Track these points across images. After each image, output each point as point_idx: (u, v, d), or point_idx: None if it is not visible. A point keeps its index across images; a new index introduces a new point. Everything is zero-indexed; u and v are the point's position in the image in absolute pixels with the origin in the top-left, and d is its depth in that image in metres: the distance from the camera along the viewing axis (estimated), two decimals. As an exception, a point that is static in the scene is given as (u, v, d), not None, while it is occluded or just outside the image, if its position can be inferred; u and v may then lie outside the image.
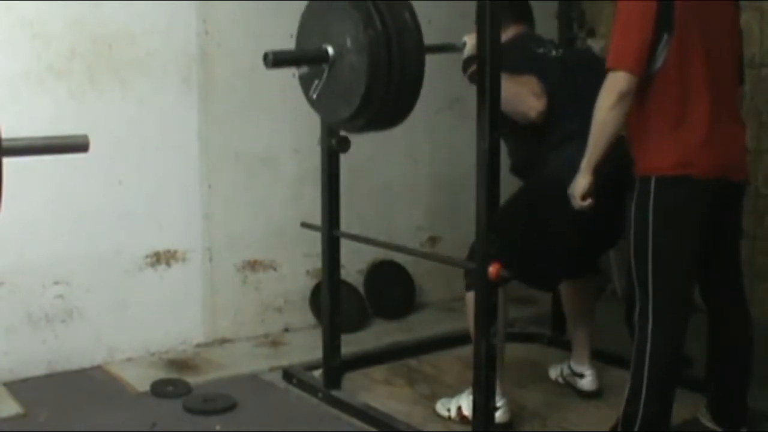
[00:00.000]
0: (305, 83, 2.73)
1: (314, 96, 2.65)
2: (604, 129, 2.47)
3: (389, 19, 2.47)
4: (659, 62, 2.44)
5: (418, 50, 2.52)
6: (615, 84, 2.41)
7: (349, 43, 2.51)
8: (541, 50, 3.04)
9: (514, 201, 2.94)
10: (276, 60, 2.57)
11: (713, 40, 2.51)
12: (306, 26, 2.73)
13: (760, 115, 4.02)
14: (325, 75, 2.60)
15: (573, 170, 2.71)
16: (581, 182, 2.57)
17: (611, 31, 2.49)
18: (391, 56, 2.46)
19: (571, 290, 3.36)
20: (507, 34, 2.90)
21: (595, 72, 3.07)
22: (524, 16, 3.16)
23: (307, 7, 2.74)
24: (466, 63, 2.96)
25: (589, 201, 2.59)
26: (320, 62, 2.60)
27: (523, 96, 2.79)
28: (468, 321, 2.95)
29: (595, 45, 3.26)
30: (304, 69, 2.68)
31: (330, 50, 2.58)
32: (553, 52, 3.06)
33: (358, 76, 2.49)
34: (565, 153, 2.87)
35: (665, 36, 2.42)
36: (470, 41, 2.94)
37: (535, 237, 2.88)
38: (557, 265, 3.04)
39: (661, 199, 2.48)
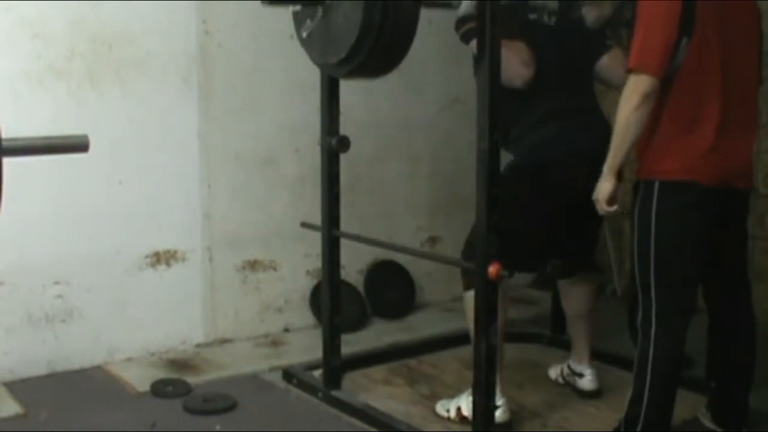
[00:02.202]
0: (298, 21, 2.72)
1: (304, 35, 2.65)
2: (627, 131, 2.43)
3: None
4: (676, 64, 2.41)
5: (413, 10, 2.53)
6: (638, 86, 2.38)
7: None
8: (533, 16, 3.02)
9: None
10: None
11: (732, 44, 2.48)
12: None
13: (761, 115, 4.01)
14: (318, 16, 2.60)
15: (550, 151, 2.73)
16: (605, 186, 2.52)
17: (633, 30, 2.45)
18: (386, 12, 2.46)
19: (570, 290, 3.35)
20: None
21: (586, 44, 3.07)
22: None
23: None
24: (460, 22, 2.94)
25: (615, 206, 2.55)
26: (316, 3, 2.59)
27: (511, 62, 2.76)
28: (467, 321, 2.96)
29: (589, 13, 3.22)
30: (298, 8, 2.68)
31: None
32: (546, 19, 3.03)
33: (350, 26, 2.49)
34: (544, 131, 2.87)
35: (685, 38, 2.39)
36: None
37: (513, 219, 2.81)
38: (538, 246, 3.04)
39: (664, 203, 2.47)
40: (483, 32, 2.48)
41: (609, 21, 3.30)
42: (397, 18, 2.49)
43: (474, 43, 2.70)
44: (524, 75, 2.84)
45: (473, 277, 2.84)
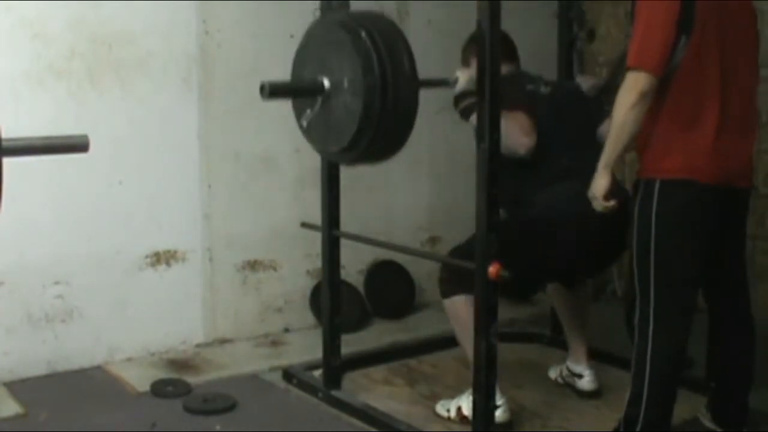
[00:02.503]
0: (298, 110, 2.74)
1: (305, 124, 2.67)
2: (624, 128, 2.43)
3: (388, 65, 2.48)
4: (674, 63, 2.41)
5: (413, 97, 2.55)
6: (636, 83, 2.38)
7: (346, 83, 2.53)
8: (530, 87, 3.06)
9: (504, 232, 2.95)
10: (273, 91, 2.59)
11: (730, 43, 2.48)
12: (304, 51, 2.74)
13: (761, 115, 4.01)
14: (318, 106, 2.62)
15: (560, 208, 2.78)
16: (601, 182, 2.53)
17: (632, 29, 2.45)
18: (386, 102, 2.49)
19: (562, 294, 3.36)
20: None
21: (584, 109, 3.09)
22: (512, 55, 3.17)
23: (308, 33, 2.74)
24: (458, 98, 2.98)
25: (612, 202, 2.55)
26: (315, 94, 2.62)
27: (512, 132, 2.78)
28: (455, 329, 2.99)
29: (584, 83, 3.27)
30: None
31: (326, 82, 2.60)
32: (542, 89, 3.07)
33: (350, 116, 2.52)
34: (555, 190, 2.89)
35: (683, 38, 2.39)
36: (462, 77, 2.96)
37: (516, 258, 2.86)
38: (540, 282, 3.09)
39: (664, 202, 2.47)
40: (483, 30, 2.48)
41: (604, 88, 3.31)
42: (397, 105, 2.51)
43: (474, 117, 2.73)
44: (526, 144, 2.84)
45: (454, 283, 2.94)
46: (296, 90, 2.74)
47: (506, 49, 3.02)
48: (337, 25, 2.59)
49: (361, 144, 2.55)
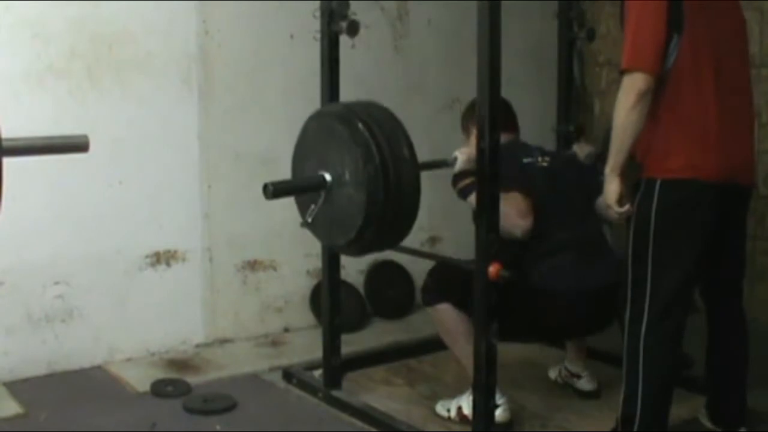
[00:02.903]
0: (302, 206, 2.76)
1: (309, 220, 2.68)
2: (625, 131, 2.43)
3: (388, 153, 2.49)
4: (669, 63, 2.41)
5: (415, 185, 2.57)
6: (633, 84, 2.37)
7: (347, 175, 2.54)
8: (528, 160, 3.05)
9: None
10: (276, 191, 2.61)
11: (722, 41, 2.50)
12: (303, 146, 2.76)
13: (760, 116, 4.02)
14: (321, 200, 2.63)
15: (563, 279, 2.81)
16: (611, 188, 2.52)
17: (624, 31, 2.46)
18: (389, 190, 2.50)
19: None
20: None
21: (581, 179, 3.10)
22: (510, 125, 3.15)
23: (305, 128, 2.76)
24: (456, 178, 2.99)
25: (627, 206, 2.53)
26: (318, 189, 2.63)
27: (509, 215, 2.78)
28: (442, 336, 3.01)
29: (580, 151, 3.26)
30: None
31: (327, 177, 2.61)
32: (539, 160, 3.06)
33: (355, 208, 2.53)
34: (553, 263, 2.90)
35: (675, 37, 2.40)
36: (461, 156, 2.97)
37: (516, 327, 2.89)
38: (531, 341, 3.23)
39: (664, 200, 2.46)
40: (483, 31, 2.48)
41: (600, 156, 3.30)
42: (400, 191, 2.52)
43: (472, 198, 2.75)
44: (523, 225, 2.84)
45: (436, 292, 2.99)
46: (299, 187, 2.76)
47: (505, 118, 3.00)
48: (333, 119, 2.61)
49: (368, 234, 2.56)
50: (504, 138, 2.74)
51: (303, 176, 2.73)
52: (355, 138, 2.50)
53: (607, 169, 2.52)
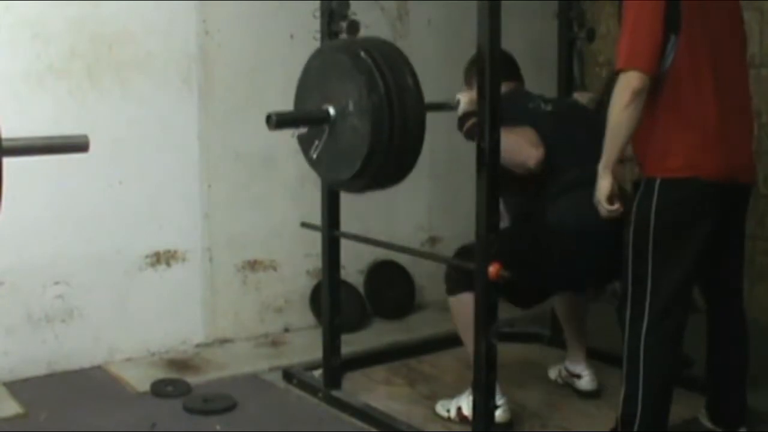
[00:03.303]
0: (304, 143, 2.74)
1: (314, 156, 2.66)
2: (620, 129, 2.44)
3: (392, 82, 2.48)
4: (667, 63, 2.42)
5: (420, 112, 2.55)
6: (628, 83, 2.38)
7: (351, 105, 2.52)
8: (532, 105, 3.07)
9: (512, 233, 2.93)
10: (279, 121, 2.59)
11: (720, 40, 2.50)
12: (306, 82, 2.74)
13: (760, 116, 4.02)
14: (325, 135, 2.61)
15: (574, 218, 2.77)
16: (603, 185, 2.53)
17: (620, 31, 2.46)
18: (393, 119, 2.48)
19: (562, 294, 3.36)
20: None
21: (586, 122, 3.10)
22: (514, 73, 3.18)
23: (308, 64, 2.75)
24: (461, 120, 2.99)
25: (617, 205, 2.55)
26: (322, 123, 2.61)
27: (521, 146, 2.79)
28: (457, 326, 2.98)
29: (581, 98, 3.27)
30: (303, 130, 2.71)
31: (331, 111, 2.59)
32: (542, 106, 3.08)
33: (360, 138, 2.50)
34: (565, 202, 2.89)
35: (673, 37, 2.41)
36: (464, 99, 2.97)
37: (527, 268, 2.85)
38: (543, 293, 3.11)
39: (664, 200, 2.46)
40: (483, 29, 2.48)
41: (602, 100, 3.31)
42: (406, 121, 2.50)
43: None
44: (536, 155, 2.84)
45: (461, 281, 2.91)
46: (302, 119, 2.73)
47: (508, 67, 3.02)
48: (335, 51, 2.59)
49: (373, 166, 2.54)
50: (506, 86, 2.75)
51: (307, 109, 2.69)
52: (358, 66, 2.47)
53: (600, 166, 2.53)
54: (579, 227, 2.83)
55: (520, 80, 3.25)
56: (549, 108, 3.08)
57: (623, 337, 2.56)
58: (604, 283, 3.28)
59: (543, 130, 2.91)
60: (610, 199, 2.54)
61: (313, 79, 2.70)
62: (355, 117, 2.51)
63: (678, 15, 2.41)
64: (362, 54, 2.49)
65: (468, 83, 3.17)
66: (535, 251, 2.85)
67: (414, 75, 2.54)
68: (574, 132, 3.03)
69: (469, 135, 2.92)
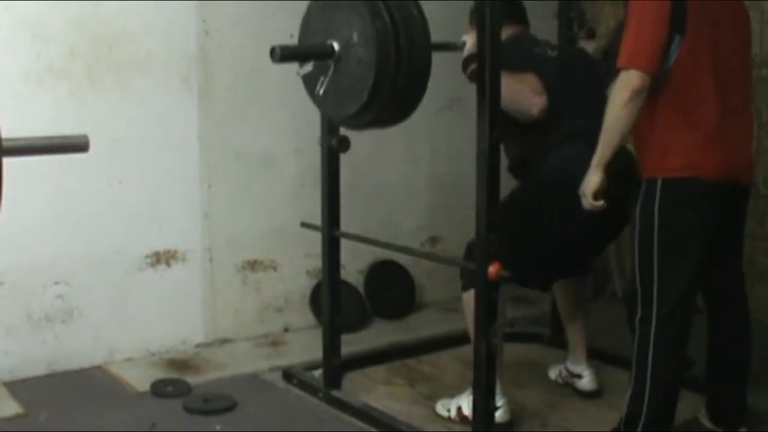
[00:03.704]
0: (309, 82, 2.72)
1: (320, 92, 2.65)
2: (617, 126, 2.44)
3: (396, 11, 2.45)
4: (670, 63, 2.42)
5: (426, 42, 2.51)
6: (628, 81, 2.39)
7: (355, 37, 2.49)
8: (537, 50, 3.05)
9: (510, 200, 2.92)
10: (283, 55, 2.56)
11: (723, 41, 2.50)
12: (309, 24, 2.72)
13: (760, 116, 4.02)
14: (330, 71, 2.60)
15: (571, 170, 2.70)
16: (593, 180, 2.53)
17: (624, 30, 2.46)
18: (399, 48, 2.44)
19: (563, 291, 3.36)
20: (504, 34, 2.90)
21: (591, 71, 3.08)
22: (520, 17, 3.17)
23: (310, 5, 2.73)
24: (466, 62, 2.96)
25: (601, 202, 2.54)
26: (326, 57, 2.60)
27: (524, 92, 2.79)
28: (467, 322, 2.96)
29: (587, 46, 3.26)
30: (308, 68, 2.68)
31: (336, 45, 2.58)
32: (549, 51, 3.07)
33: (366, 68, 2.47)
34: (564, 152, 2.87)
35: (677, 37, 2.41)
36: (469, 40, 2.95)
37: (530, 237, 2.87)
38: (552, 265, 3.03)
39: (667, 200, 2.47)
40: (483, 32, 2.48)
41: (607, 51, 3.31)
42: (412, 50, 2.47)
43: None
44: (539, 103, 2.83)
45: (473, 277, 2.86)
46: (307, 52, 2.69)
47: (515, 10, 2.99)
48: None
49: (381, 98, 2.50)
50: (512, 30, 2.73)
51: (311, 43, 2.67)
52: None
53: (594, 161, 2.53)
54: (578, 178, 2.79)
55: (526, 24, 3.20)
56: (555, 54, 3.06)
57: (633, 339, 2.56)
58: (602, 246, 3.23)
59: (547, 77, 2.88)
60: (596, 195, 2.54)
61: (315, 18, 2.68)
62: (360, 48, 2.48)
63: (684, 15, 2.41)
64: None
65: (473, 25, 3.12)
66: (532, 203, 2.80)
67: (419, 7, 2.51)
68: (578, 80, 3.01)
69: (472, 77, 2.88)
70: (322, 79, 2.62)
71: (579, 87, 3.00)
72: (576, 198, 2.69)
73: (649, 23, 2.40)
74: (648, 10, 2.41)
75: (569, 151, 2.86)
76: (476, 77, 2.76)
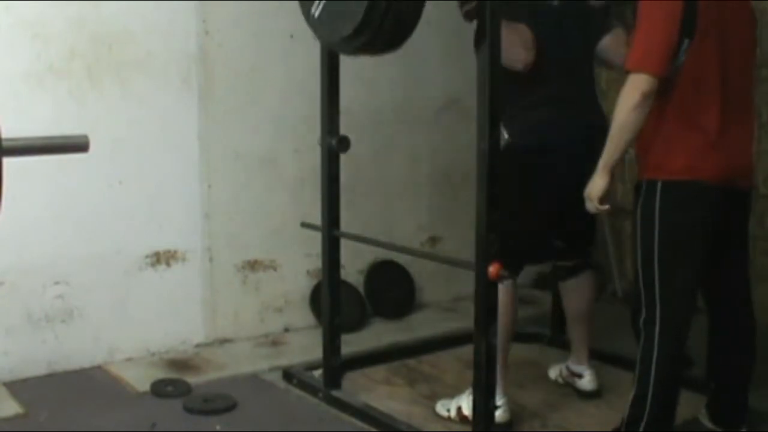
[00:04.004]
0: (305, 5, 2.71)
1: (316, 14, 2.63)
2: (625, 130, 2.42)
3: None
4: (676, 67, 2.40)
5: None
6: (638, 84, 2.37)
7: None
8: None
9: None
10: None
11: (730, 44, 2.48)
12: None
13: (760, 116, 4.02)
14: None
15: (540, 135, 2.74)
16: (599, 183, 2.51)
17: (634, 32, 2.45)
18: None
19: (570, 290, 3.36)
20: None
21: (590, 32, 3.06)
22: None
23: None
24: (462, 1, 2.91)
25: (607, 206, 2.54)
26: None
27: (513, 44, 2.76)
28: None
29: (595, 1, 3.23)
30: None
31: None
32: (554, 1, 3.02)
33: None
34: (537, 115, 2.87)
35: (686, 41, 2.39)
36: None
37: (508, 200, 2.70)
38: (524, 242, 2.97)
39: (667, 202, 2.46)
40: (483, 30, 2.48)
41: (608, 8, 3.28)
42: None
43: (476, 22, 2.64)
44: (524, 58, 2.84)
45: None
46: None
47: None
48: None
49: (375, 16, 2.49)
50: None
51: None
52: None
53: (600, 164, 2.52)
54: (546, 142, 2.84)
55: None
56: (558, 4, 3.01)
57: (638, 341, 2.56)
58: (579, 215, 3.21)
59: (540, 30, 2.86)
60: (602, 199, 2.53)
61: None
62: None
63: (694, 17, 2.38)
64: None
65: None
66: (511, 174, 2.74)
67: None
68: (573, 38, 2.99)
69: (468, 16, 2.86)
70: (317, 2, 2.60)
71: (571, 45, 2.99)
72: (541, 163, 2.71)
73: (659, 25, 2.38)
74: (659, 11, 2.39)
75: (539, 115, 2.86)
76: (472, 15, 2.72)
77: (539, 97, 2.91)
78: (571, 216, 3.01)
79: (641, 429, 2.52)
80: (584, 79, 3.09)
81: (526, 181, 2.88)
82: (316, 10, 2.62)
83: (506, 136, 2.78)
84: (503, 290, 2.73)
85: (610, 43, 3.06)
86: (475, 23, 2.67)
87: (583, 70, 3.08)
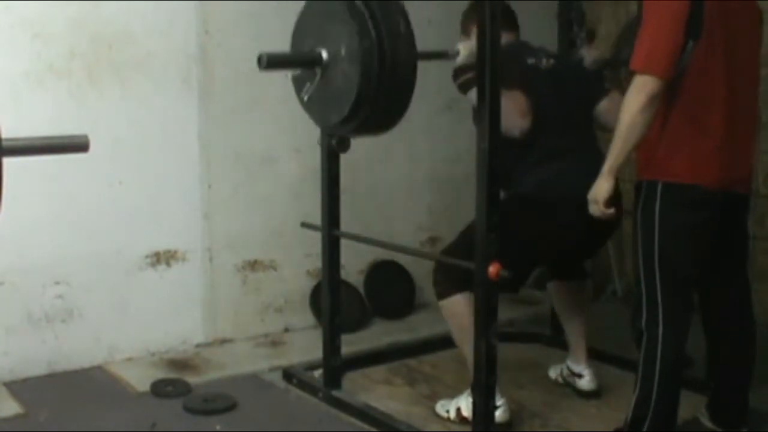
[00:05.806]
0: (298, 85, 2.73)
1: (305, 98, 2.66)
2: (631, 132, 2.40)
3: (384, 28, 2.47)
4: (682, 68, 2.38)
5: (411, 61, 2.54)
6: (644, 87, 2.35)
7: (343, 50, 2.52)
8: (532, 61, 3.02)
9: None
10: (270, 62, 2.57)
11: (735, 47, 2.47)
12: (302, 26, 2.74)
13: (761, 116, 4.01)
14: (317, 78, 2.61)
15: (553, 187, 2.77)
16: (604, 186, 2.50)
17: (639, 31, 2.43)
18: (384, 67, 2.47)
19: (560, 291, 3.37)
20: None
21: (583, 87, 3.09)
22: (512, 24, 3.14)
23: (305, 7, 2.74)
24: (458, 71, 2.95)
25: (612, 210, 2.53)
26: (314, 65, 2.60)
27: (509, 112, 2.75)
28: (450, 328, 2.97)
29: (588, 55, 3.24)
30: (298, 71, 2.69)
31: (324, 54, 2.59)
32: (544, 62, 3.04)
33: (350, 84, 2.50)
34: (547, 169, 2.89)
35: (692, 42, 2.37)
36: (463, 50, 2.94)
37: (512, 249, 2.81)
38: (524, 272, 3.04)
39: (667, 205, 2.46)
40: (483, 33, 2.48)
41: (608, 62, 3.30)
42: (395, 69, 2.50)
43: (472, 93, 2.68)
44: (521, 125, 2.84)
45: (450, 282, 2.92)
46: (293, 61, 2.71)
47: (506, 18, 2.97)
48: None
49: (362, 112, 2.53)
50: (505, 38, 2.71)
51: (299, 51, 2.70)
52: (352, 13, 2.48)
53: (605, 167, 2.50)
54: (553, 197, 2.85)
55: (518, 31, 3.18)
56: (549, 65, 3.03)
57: (635, 341, 2.56)
58: (584, 256, 3.32)
59: (535, 94, 2.87)
60: (608, 203, 2.52)
61: (308, 22, 2.70)
62: (346, 62, 2.51)
63: (700, 18, 2.37)
64: (356, 1, 2.49)
65: (465, 32, 3.09)
66: (511, 218, 2.76)
67: (407, 21, 2.53)
68: (567, 96, 3.01)
69: (462, 88, 2.89)
70: (308, 85, 2.63)
71: (567, 103, 3.00)
72: (554, 212, 2.76)
73: (666, 25, 2.35)
74: (665, 11, 2.36)
75: (551, 169, 2.89)
76: (467, 87, 2.79)
77: (541, 155, 2.91)
78: (574, 255, 3.17)
79: (645, 429, 2.51)
80: (584, 132, 3.08)
81: (532, 234, 2.90)
82: (306, 94, 2.64)
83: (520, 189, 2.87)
84: (464, 301, 2.82)
85: (607, 107, 3.05)
86: (471, 95, 2.70)
87: (582, 123, 3.07)
